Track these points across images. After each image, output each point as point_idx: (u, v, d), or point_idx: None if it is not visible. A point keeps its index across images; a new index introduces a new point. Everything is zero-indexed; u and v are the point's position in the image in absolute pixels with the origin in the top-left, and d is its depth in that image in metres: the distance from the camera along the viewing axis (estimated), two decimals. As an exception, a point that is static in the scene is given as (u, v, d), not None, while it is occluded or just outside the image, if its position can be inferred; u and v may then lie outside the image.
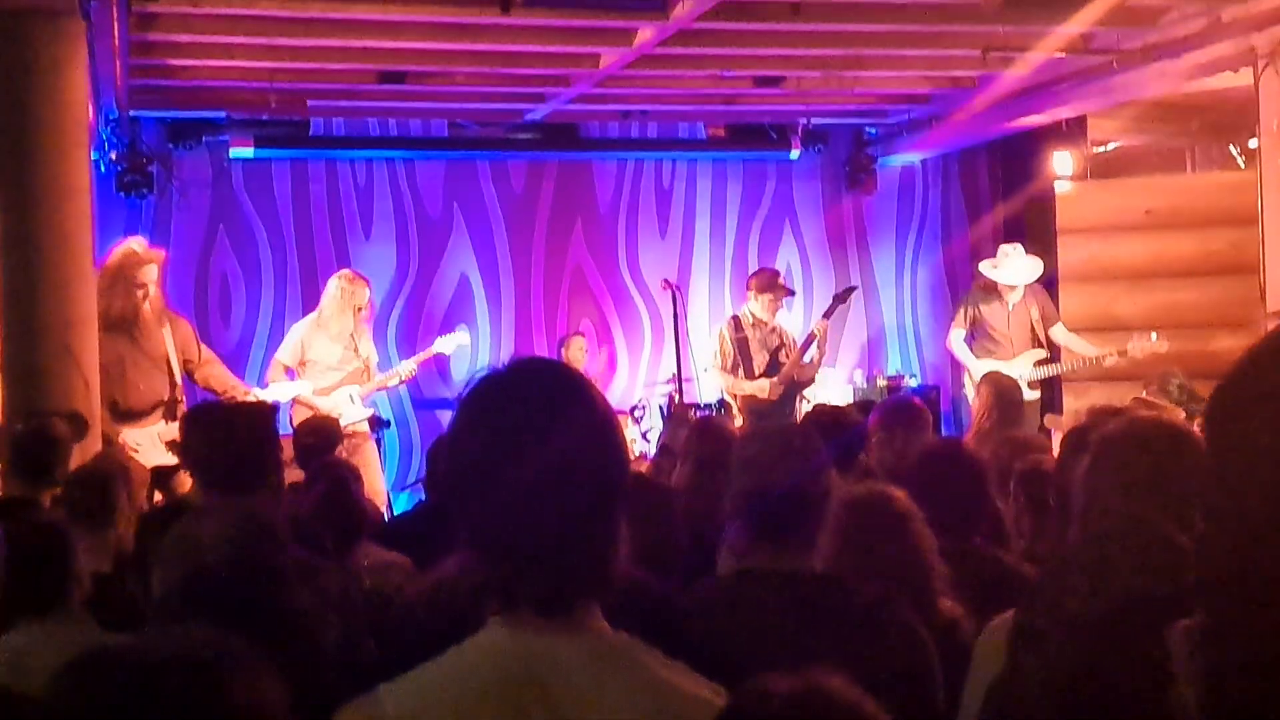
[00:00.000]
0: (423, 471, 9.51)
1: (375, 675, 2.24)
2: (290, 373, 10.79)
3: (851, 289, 12.20)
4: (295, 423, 9.75)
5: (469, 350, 12.94)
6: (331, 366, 10.84)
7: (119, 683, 1.82)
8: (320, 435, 8.30)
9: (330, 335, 10.84)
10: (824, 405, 8.09)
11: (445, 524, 2.37)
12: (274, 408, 5.95)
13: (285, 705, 1.94)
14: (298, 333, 10.99)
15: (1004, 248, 12.09)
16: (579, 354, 13.04)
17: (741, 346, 11.34)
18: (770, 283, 11.48)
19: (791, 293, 11.78)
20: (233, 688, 1.86)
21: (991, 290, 11.93)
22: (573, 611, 2.18)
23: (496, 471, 2.16)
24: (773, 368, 11.28)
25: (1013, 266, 11.84)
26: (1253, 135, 10.90)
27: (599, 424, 2.24)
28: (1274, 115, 9.82)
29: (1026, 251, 12.08)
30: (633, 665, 2.20)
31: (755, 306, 11.44)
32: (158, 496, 8.60)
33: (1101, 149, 14.68)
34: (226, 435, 5.13)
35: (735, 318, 11.62)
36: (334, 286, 10.96)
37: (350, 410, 10.74)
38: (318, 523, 5.61)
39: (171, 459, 8.85)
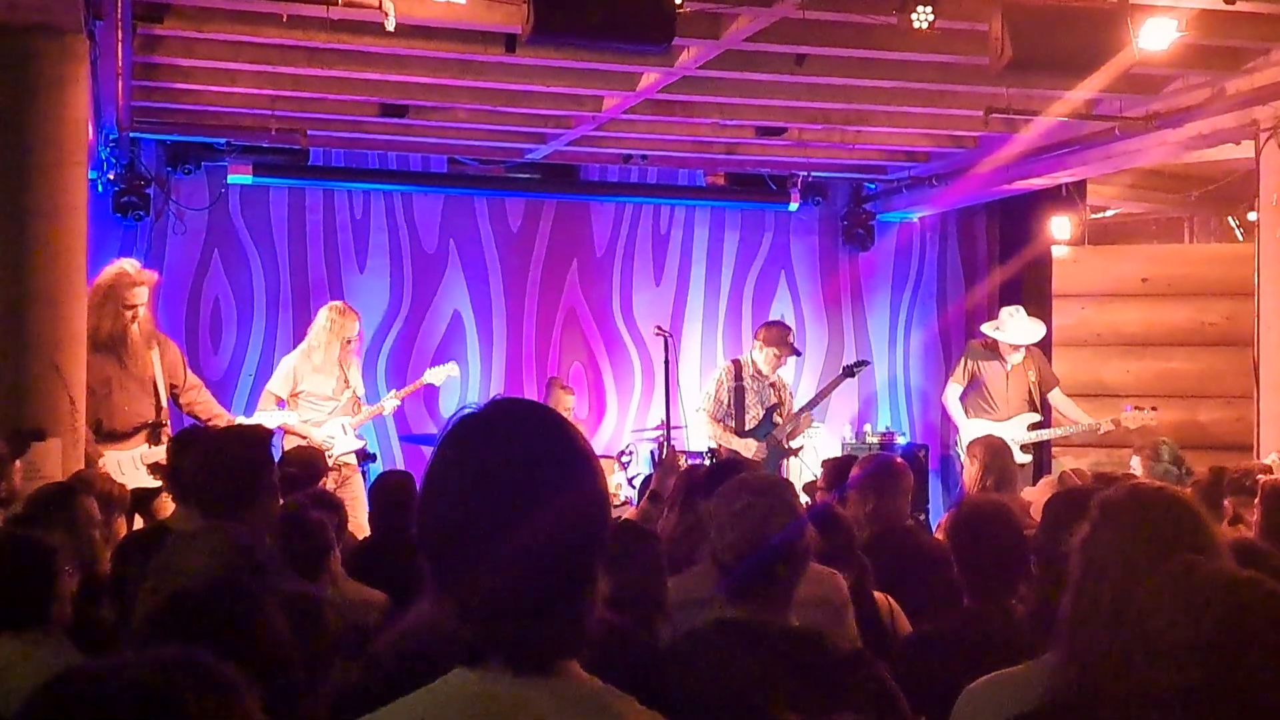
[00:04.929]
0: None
1: (354, 711, 2.19)
2: (281, 404, 10.73)
3: (863, 363, 12.17)
4: (285, 451, 9.69)
5: (458, 386, 12.91)
6: (325, 397, 10.79)
7: (90, 705, 1.81)
8: (305, 466, 8.24)
9: (315, 366, 10.79)
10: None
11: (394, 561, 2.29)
12: (269, 432, 5.88)
13: None
14: (289, 363, 10.93)
15: (1006, 309, 12.06)
16: (565, 413, 12.92)
17: (737, 396, 11.25)
18: (779, 338, 11.34)
19: (798, 353, 11.69)
20: (200, 712, 1.84)
21: (992, 349, 11.91)
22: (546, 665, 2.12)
23: (472, 524, 2.08)
24: (765, 424, 11.20)
25: (1016, 326, 11.81)
26: (1252, 208, 10.91)
27: (581, 473, 2.16)
28: (1274, 188, 9.82)
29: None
30: (604, 712, 2.14)
31: (759, 357, 11.34)
32: (138, 520, 8.53)
33: (1100, 215, 14.73)
34: (222, 460, 5.10)
35: (736, 363, 11.52)
36: (324, 317, 10.92)
37: (342, 441, 10.70)
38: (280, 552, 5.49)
39: (153, 482, 8.79)
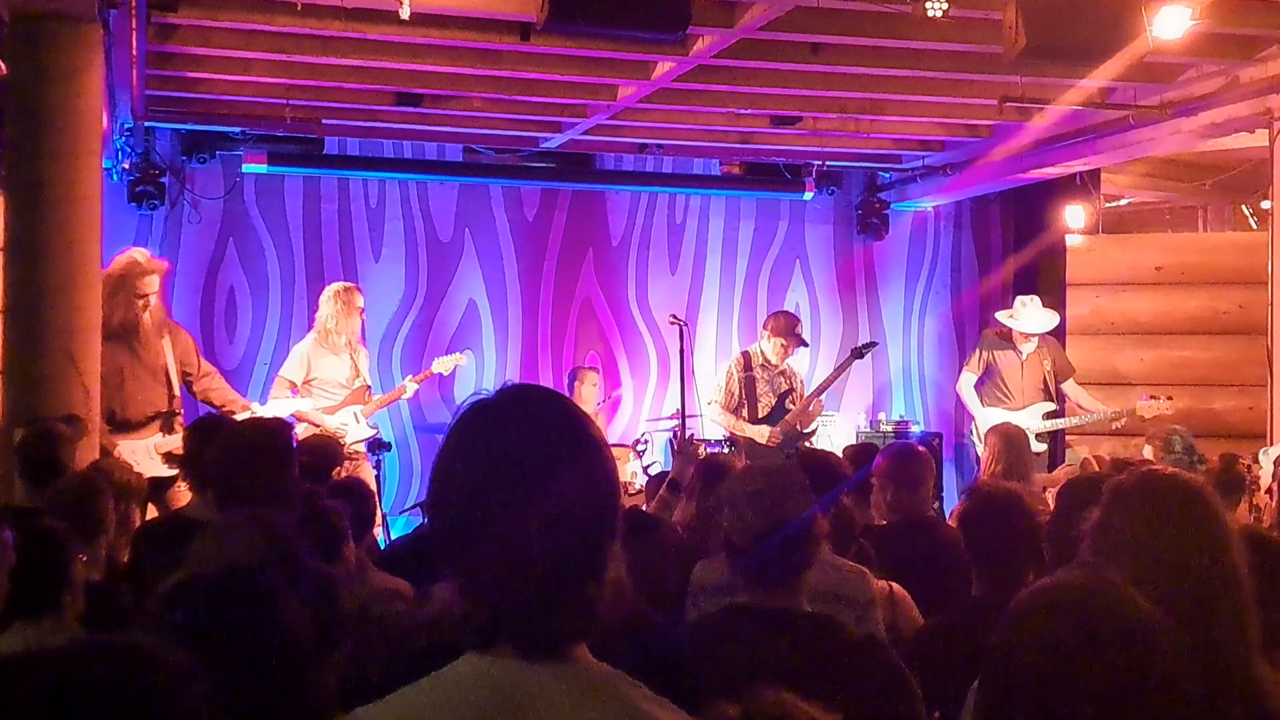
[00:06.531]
0: (423, 495, 9.39)
1: (373, 698, 2.19)
2: (294, 390, 10.73)
3: (871, 345, 12.14)
4: (300, 440, 9.67)
5: (474, 375, 12.92)
6: (339, 384, 10.78)
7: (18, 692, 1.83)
8: (319, 455, 8.19)
9: (335, 348, 10.78)
10: (813, 450, 8.01)
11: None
12: (290, 423, 5.89)
13: None
14: (302, 350, 10.91)
15: (1021, 298, 12.03)
16: (591, 389, 12.94)
17: (748, 386, 11.23)
18: (786, 328, 11.31)
19: (805, 344, 11.67)
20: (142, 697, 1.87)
21: (1006, 338, 11.89)
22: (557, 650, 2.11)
23: (484, 509, 2.08)
24: (778, 411, 11.18)
25: (1030, 315, 11.79)
26: (1266, 196, 10.90)
27: (591, 459, 2.16)
28: (1288, 177, 9.80)
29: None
30: (614, 698, 2.13)
31: (767, 347, 11.33)
32: (151, 509, 8.54)
33: (1114, 204, 14.70)
34: (245, 450, 5.09)
35: (746, 354, 11.50)
36: (330, 300, 10.88)
37: (355, 429, 10.70)
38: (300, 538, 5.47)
39: (166, 471, 8.80)
